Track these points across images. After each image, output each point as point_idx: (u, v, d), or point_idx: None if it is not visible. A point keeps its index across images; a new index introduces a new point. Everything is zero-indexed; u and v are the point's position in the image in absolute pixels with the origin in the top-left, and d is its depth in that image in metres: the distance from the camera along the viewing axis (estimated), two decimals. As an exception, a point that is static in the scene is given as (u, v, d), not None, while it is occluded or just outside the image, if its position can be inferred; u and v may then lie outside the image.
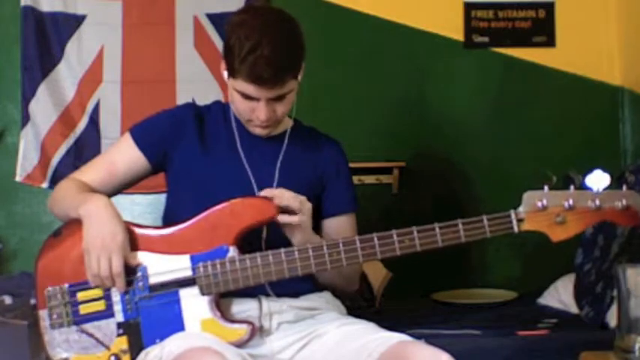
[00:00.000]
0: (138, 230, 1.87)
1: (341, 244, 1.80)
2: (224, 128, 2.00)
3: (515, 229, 1.78)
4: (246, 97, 1.87)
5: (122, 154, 1.99)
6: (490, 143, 3.37)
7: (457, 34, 3.38)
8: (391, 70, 3.36)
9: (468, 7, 3.38)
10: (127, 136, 1.99)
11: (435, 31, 3.37)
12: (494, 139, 3.38)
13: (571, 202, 1.74)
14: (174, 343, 1.75)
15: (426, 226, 1.79)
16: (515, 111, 3.41)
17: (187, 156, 1.96)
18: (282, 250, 1.81)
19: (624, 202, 1.74)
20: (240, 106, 1.91)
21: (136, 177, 2.00)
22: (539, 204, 1.76)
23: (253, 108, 1.88)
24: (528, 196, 1.77)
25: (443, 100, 3.39)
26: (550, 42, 3.40)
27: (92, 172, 2.01)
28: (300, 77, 1.92)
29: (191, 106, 2.05)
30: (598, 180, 1.74)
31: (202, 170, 1.95)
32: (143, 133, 1.99)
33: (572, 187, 1.76)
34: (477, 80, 3.42)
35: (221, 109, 2.05)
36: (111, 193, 1.98)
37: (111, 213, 1.83)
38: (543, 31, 3.40)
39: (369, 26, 3.35)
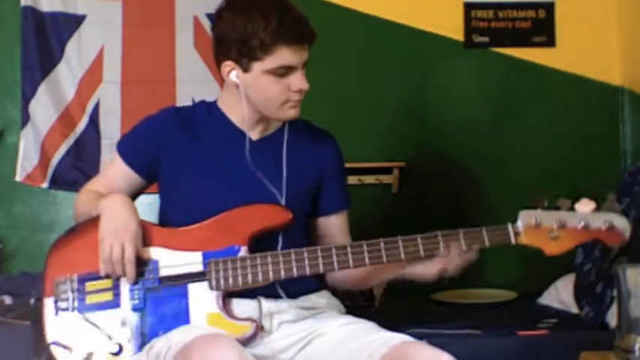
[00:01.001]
0: (153, 227, 1.92)
1: (349, 247, 1.84)
2: (216, 129, 1.98)
3: (512, 240, 1.87)
4: (282, 73, 1.85)
5: (116, 172, 2.02)
6: (490, 143, 3.37)
7: (457, 34, 3.38)
8: (391, 70, 3.36)
9: (468, 7, 3.38)
10: (116, 154, 2.02)
11: (435, 31, 3.36)
12: (494, 139, 3.37)
13: (562, 221, 1.85)
14: (182, 334, 1.75)
15: (429, 234, 1.86)
16: (515, 111, 3.40)
17: (178, 162, 1.95)
18: (292, 250, 1.84)
19: (609, 224, 1.85)
20: (273, 91, 1.88)
21: (135, 191, 2.03)
22: (534, 221, 1.85)
23: (288, 84, 1.87)
24: (524, 215, 1.86)
25: (443, 100, 3.39)
26: (550, 42, 3.40)
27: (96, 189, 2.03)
28: None
29: (172, 112, 2.03)
30: (584, 206, 1.85)
31: (195, 178, 1.94)
32: (129, 150, 2.01)
33: (562, 211, 1.87)
34: (476, 80, 3.41)
35: (206, 108, 2.02)
36: None
37: (126, 206, 1.87)
38: (543, 31, 3.40)
39: (369, 26, 3.34)
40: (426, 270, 1.89)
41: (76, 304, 1.85)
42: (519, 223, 1.86)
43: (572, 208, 1.86)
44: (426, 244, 1.85)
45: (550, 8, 3.40)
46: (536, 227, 1.85)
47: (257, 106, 1.93)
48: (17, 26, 3.22)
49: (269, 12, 1.83)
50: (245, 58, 1.86)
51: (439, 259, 1.86)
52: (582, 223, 1.84)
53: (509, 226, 1.86)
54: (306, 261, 1.83)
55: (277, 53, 1.83)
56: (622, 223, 1.86)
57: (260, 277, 1.83)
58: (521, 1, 3.40)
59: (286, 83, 1.87)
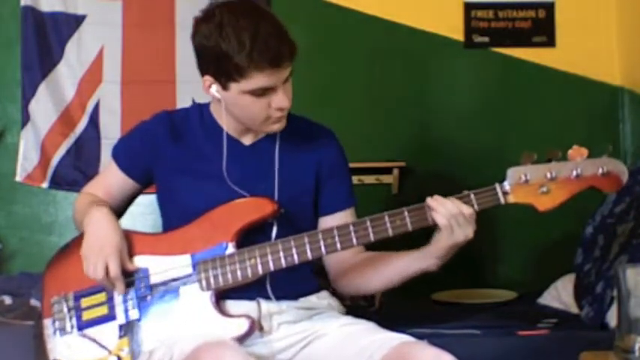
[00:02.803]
0: (139, 235, 1.91)
1: (335, 230, 1.81)
2: (206, 134, 1.96)
3: (502, 200, 1.81)
4: (260, 93, 1.79)
5: (112, 176, 2.02)
6: (490, 143, 3.37)
7: (457, 34, 3.38)
8: (391, 70, 3.36)
9: (468, 7, 3.38)
10: (112, 159, 2.02)
11: (435, 31, 3.36)
12: (494, 139, 3.37)
13: (553, 173, 1.79)
14: (183, 342, 1.75)
15: (416, 205, 1.81)
16: (515, 111, 3.41)
17: (169, 171, 1.95)
18: (279, 240, 1.82)
19: (604, 168, 1.79)
20: (253, 109, 1.84)
21: (131, 195, 2.03)
22: (523, 177, 1.80)
23: (269, 102, 1.82)
24: (512, 172, 1.81)
25: (443, 100, 3.39)
26: (550, 42, 3.40)
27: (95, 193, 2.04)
28: None
29: (164, 118, 2.00)
30: (577, 153, 1.80)
31: (187, 186, 1.93)
32: (123, 155, 2.01)
33: (553, 162, 1.82)
34: (476, 80, 3.41)
35: (199, 112, 1.99)
36: (118, 210, 2.00)
37: (107, 221, 1.87)
38: (543, 31, 3.40)
39: (369, 26, 3.34)
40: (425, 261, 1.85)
41: (73, 321, 1.87)
42: (507, 182, 1.80)
43: (564, 158, 1.80)
44: (413, 217, 1.80)
45: (550, 8, 3.40)
46: (525, 183, 1.79)
47: (240, 121, 1.91)
48: (17, 26, 3.22)
49: (242, 31, 1.74)
50: (222, 77, 1.81)
51: (439, 236, 1.79)
52: (576, 172, 1.78)
53: (497, 186, 1.81)
54: (294, 249, 1.80)
55: (253, 77, 1.77)
56: (618, 167, 1.79)
57: (249, 271, 1.81)
58: (521, 1, 3.40)
59: (267, 101, 1.82)
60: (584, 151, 1.80)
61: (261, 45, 1.74)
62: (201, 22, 1.82)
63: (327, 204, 2.00)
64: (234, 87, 1.81)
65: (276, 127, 1.89)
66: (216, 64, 1.80)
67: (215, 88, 1.84)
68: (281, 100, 1.81)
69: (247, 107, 1.84)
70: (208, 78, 1.84)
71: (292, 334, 1.86)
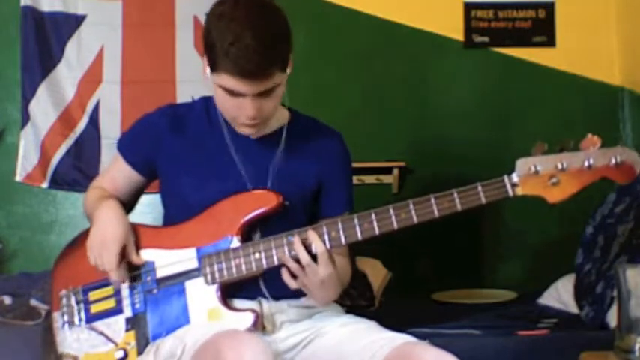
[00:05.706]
0: (145, 229, 1.92)
1: (340, 223, 1.79)
2: (210, 127, 1.95)
3: (510, 193, 1.76)
4: (231, 93, 1.78)
5: (118, 169, 2.02)
6: (490, 143, 3.37)
7: (457, 34, 3.38)
8: (391, 70, 3.36)
9: (468, 7, 3.38)
10: (117, 152, 2.02)
11: (435, 31, 3.37)
12: (494, 140, 3.38)
13: (564, 164, 1.73)
14: (194, 332, 1.75)
15: (421, 198, 1.78)
16: (515, 111, 3.41)
17: (172, 163, 1.94)
18: (283, 234, 1.81)
19: (618, 158, 1.72)
20: (224, 104, 1.83)
21: (137, 187, 2.03)
22: (532, 169, 1.75)
23: (239, 105, 1.80)
24: (521, 163, 1.76)
25: (443, 100, 3.40)
26: (550, 42, 3.40)
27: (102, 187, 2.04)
28: (288, 70, 1.82)
29: (168, 111, 1.99)
30: (590, 143, 1.74)
31: (188, 178, 1.92)
32: (128, 148, 2.01)
33: (564, 152, 1.76)
34: (477, 80, 3.42)
35: (204, 105, 1.99)
36: (127, 203, 2.01)
37: (113, 214, 1.87)
38: (543, 31, 3.40)
39: (369, 26, 3.35)
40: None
41: (82, 314, 1.89)
42: (516, 173, 1.75)
43: (576, 148, 1.73)
44: (419, 210, 1.77)
45: (550, 8, 3.40)
46: (534, 175, 1.74)
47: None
48: (17, 26, 3.22)
49: (230, 30, 1.71)
50: (207, 61, 1.81)
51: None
52: (587, 162, 1.71)
53: (506, 178, 1.76)
54: None
55: (222, 76, 1.76)
56: (632, 156, 1.72)
57: (254, 265, 1.81)
58: (521, 1, 3.40)
59: (237, 102, 1.80)
60: (597, 140, 1.72)
61: (235, 54, 1.71)
62: (215, 4, 1.81)
63: (325, 210, 1.99)
64: (213, 75, 1.81)
65: (246, 131, 1.88)
66: (205, 46, 1.80)
67: (208, 71, 1.84)
68: (247, 109, 1.79)
69: (220, 100, 1.84)
70: (205, 58, 1.84)
71: (295, 334, 1.86)
